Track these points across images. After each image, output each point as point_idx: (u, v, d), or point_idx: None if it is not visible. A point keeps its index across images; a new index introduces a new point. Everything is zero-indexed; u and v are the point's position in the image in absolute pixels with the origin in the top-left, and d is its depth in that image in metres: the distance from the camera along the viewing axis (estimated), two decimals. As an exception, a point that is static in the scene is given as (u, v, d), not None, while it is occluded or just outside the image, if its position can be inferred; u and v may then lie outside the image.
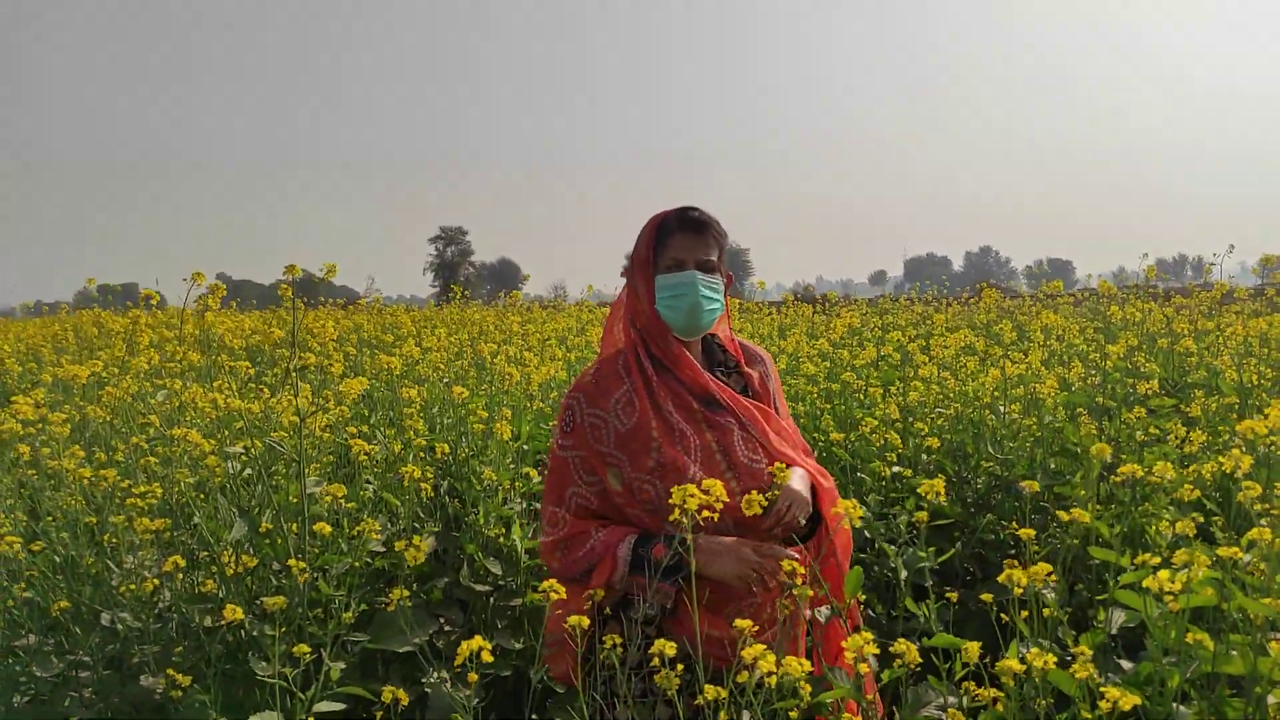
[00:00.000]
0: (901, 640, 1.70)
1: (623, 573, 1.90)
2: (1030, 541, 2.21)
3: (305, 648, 1.95)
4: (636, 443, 1.97)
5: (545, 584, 1.70)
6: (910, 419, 3.98)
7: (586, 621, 1.84)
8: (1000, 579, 1.76)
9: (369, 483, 2.96)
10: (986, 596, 2.17)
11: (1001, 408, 3.68)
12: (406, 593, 1.92)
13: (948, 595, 2.34)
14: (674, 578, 1.89)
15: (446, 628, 2.87)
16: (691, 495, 1.43)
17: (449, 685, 2.68)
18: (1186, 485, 2.97)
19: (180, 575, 2.31)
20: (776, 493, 1.88)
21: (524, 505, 3.17)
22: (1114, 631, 2.33)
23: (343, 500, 2.47)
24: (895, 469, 3.56)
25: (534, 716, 2.76)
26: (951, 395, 3.97)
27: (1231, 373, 4.20)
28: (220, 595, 2.44)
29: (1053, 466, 3.72)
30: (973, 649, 1.70)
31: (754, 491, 1.83)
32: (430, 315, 8.95)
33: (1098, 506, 3.44)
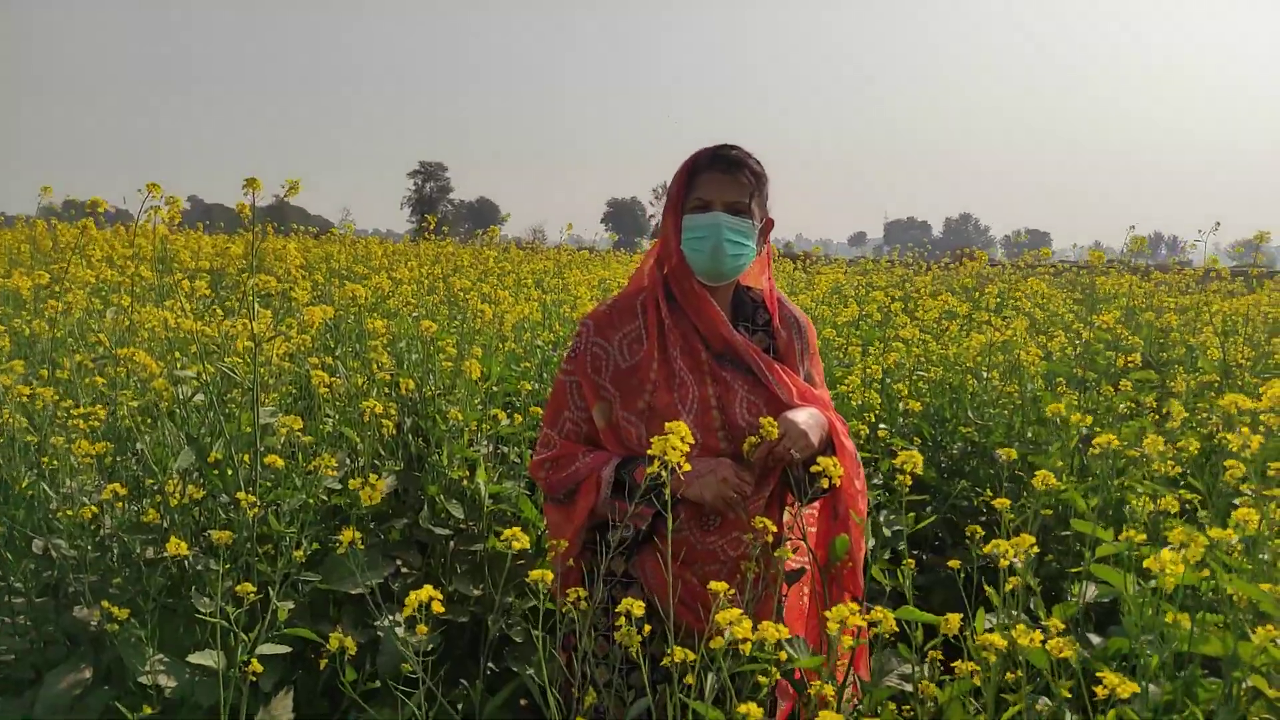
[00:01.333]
0: (878, 609, 1.62)
1: (605, 495, 1.88)
2: (1006, 511, 2.15)
3: (250, 586, 1.84)
4: (633, 381, 1.90)
5: (508, 532, 1.61)
6: (889, 380, 3.90)
7: (565, 544, 1.83)
8: (987, 549, 1.68)
9: (329, 416, 2.83)
10: (954, 563, 2.12)
11: (984, 373, 3.61)
12: (358, 535, 1.80)
13: (940, 562, 2.27)
14: (652, 501, 1.82)
15: (403, 569, 2.77)
16: (674, 447, 1.32)
17: (402, 630, 2.59)
18: (1168, 460, 2.92)
19: (120, 504, 2.18)
20: (755, 438, 1.81)
21: (490, 448, 3.06)
22: (1087, 605, 2.29)
23: (299, 433, 2.35)
24: (878, 428, 3.49)
25: (491, 665, 2.68)
26: (934, 359, 3.89)
27: (1214, 350, 4.16)
28: (164, 526, 2.32)
29: (1030, 435, 3.67)
30: (954, 621, 1.63)
31: (750, 438, 1.79)
32: (404, 249, 8.73)
33: (1072, 479, 3.40)
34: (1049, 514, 3.26)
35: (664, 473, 1.33)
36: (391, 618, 2.52)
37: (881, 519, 3.06)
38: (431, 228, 5.67)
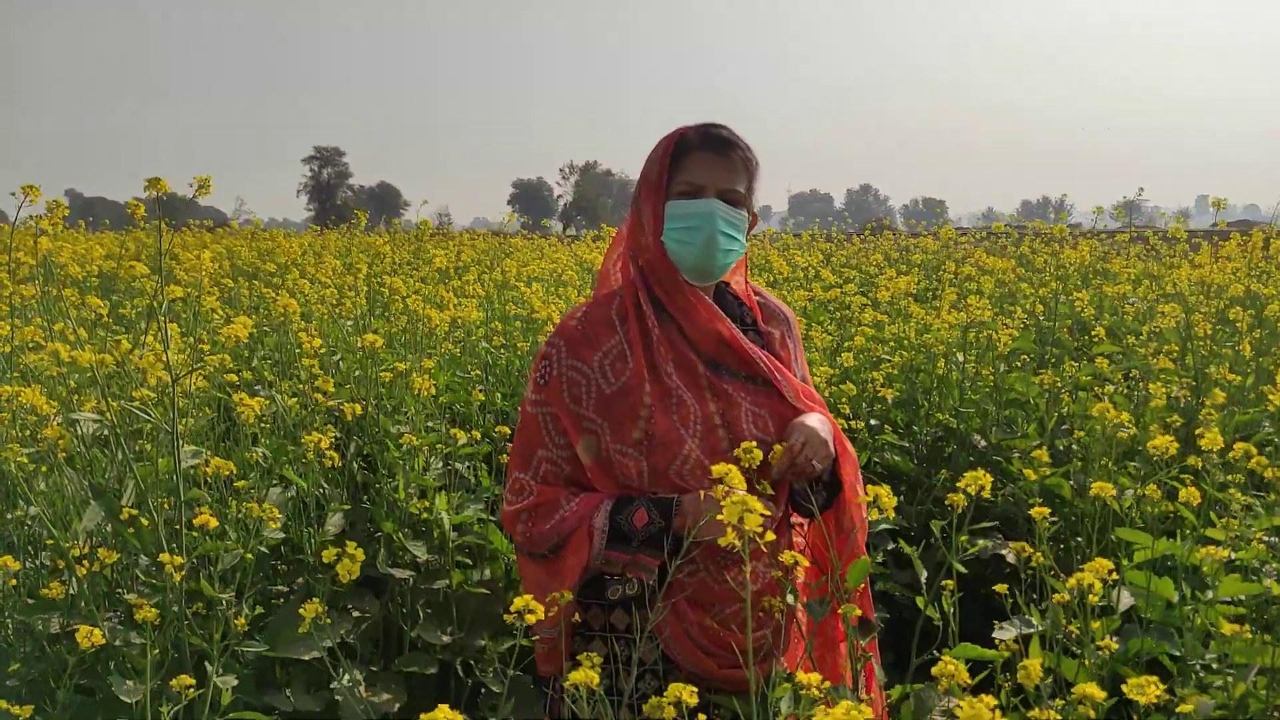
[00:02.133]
0: (947, 658, 1.40)
1: (599, 548, 1.59)
2: (1043, 521, 1.98)
3: (188, 679, 1.51)
4: (622, 408, 1.61)
5: (519, 601, 1.32)
6: (851, 368, 3.72)
7: (569, 596, 1.52)
8: (1070, 583, 1.49)
9: (256, 439, 2.46)
10: (1002, 588, 1.95)
11: (959, 356, 3.45)
12: (324, 608, 1.49)
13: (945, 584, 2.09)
14: (660, 548, 1.56)
15: (356, 614, 2.44)
16: (749, 511, 1.05)
17: (363, 689, 2.27)
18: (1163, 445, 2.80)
19: (14, 580, 1.80)
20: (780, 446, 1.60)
21: (442, 465, 2.73)
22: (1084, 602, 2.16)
23: (227, 474, 2.00)
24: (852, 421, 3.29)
25: (464, 716, 2.39)
26: (903, 343, 3.71)
27: (1171, 320, 4.11)
28: (70, 593, 1.95)
29: (1006, 415, 3.54)
30: (1034, 669, 1.42)
31: (776, 446, 1.58)
32: (313, 241, 8.20)
33: (1049, 460, 3.29)
34: (1038, 503, 3.13)
35: (738, 542, 1.06)
36: (350, 676, 2.20)
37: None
38: (362, 225, 5.22)
